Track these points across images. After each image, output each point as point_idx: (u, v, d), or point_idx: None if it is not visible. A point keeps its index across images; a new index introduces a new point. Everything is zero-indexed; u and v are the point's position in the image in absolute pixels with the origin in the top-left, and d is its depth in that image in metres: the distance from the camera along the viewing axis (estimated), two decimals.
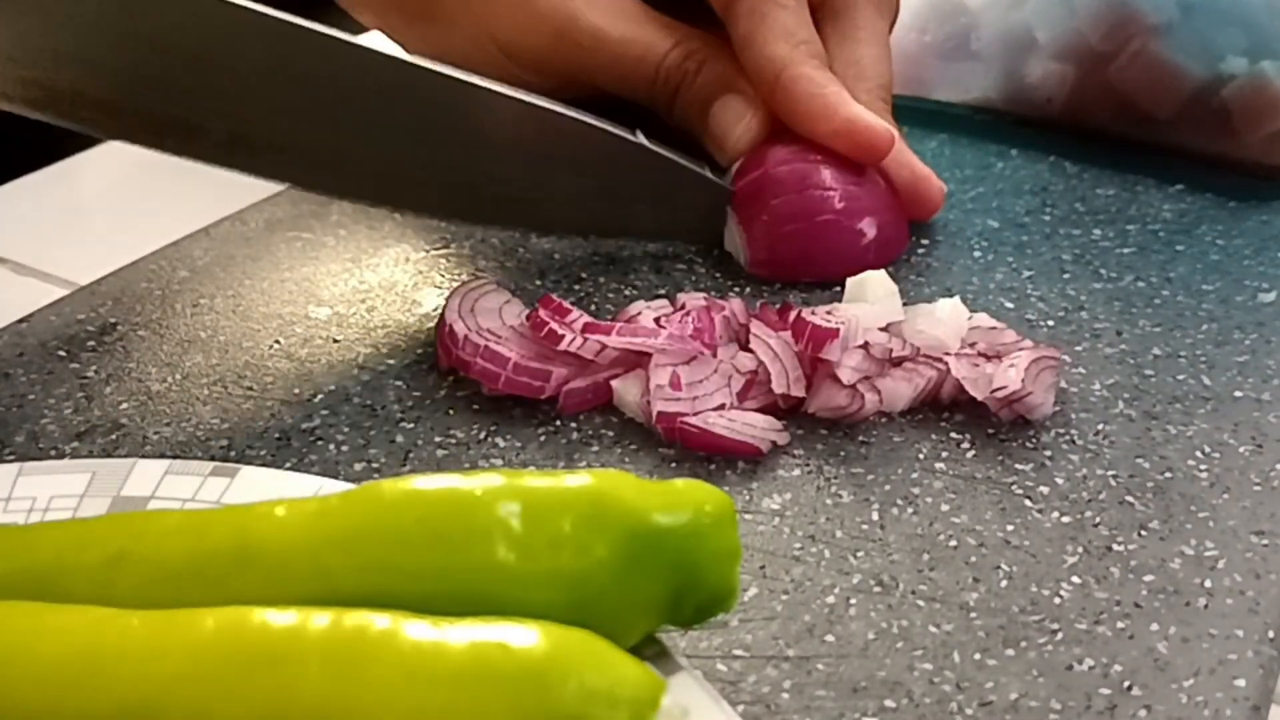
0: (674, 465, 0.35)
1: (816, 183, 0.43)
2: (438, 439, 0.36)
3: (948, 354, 0.37)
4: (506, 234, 0.47)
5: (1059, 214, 0.49)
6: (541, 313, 0.37)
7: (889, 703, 0.28)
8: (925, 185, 0.46)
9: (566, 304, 0.38)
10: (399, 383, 0.38)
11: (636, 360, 0.37)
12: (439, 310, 0.40)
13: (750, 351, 0.38)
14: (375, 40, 0.49)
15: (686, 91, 0.47)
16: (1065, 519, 0.33)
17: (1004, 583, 0.31)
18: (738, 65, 0.46)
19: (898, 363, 0.37)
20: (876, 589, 0.31)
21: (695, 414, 0.35)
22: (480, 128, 0.40)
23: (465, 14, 0.49)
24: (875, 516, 0.33)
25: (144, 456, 0.35)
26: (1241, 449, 0.35)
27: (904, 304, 0.39)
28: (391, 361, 0.39)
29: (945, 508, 0.33)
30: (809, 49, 0.45)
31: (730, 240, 0.45)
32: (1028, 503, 0.33)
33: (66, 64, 0.35)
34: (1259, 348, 0.40)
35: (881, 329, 0.38)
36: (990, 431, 0.36)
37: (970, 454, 0.35)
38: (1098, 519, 0.33)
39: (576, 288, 0.44)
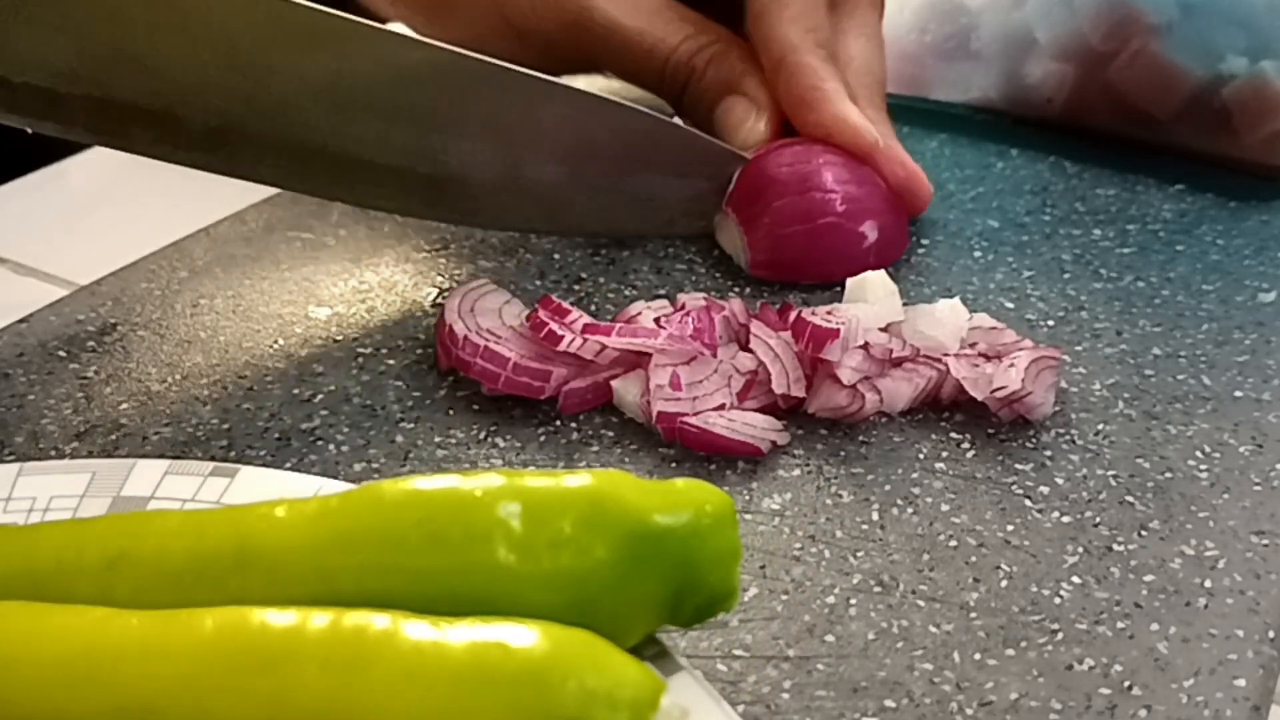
0: (674, 465, 0.35)
1: (818, 185, 0.43)
2: (438, 439, 0.36)
3: (947, 354, 0.37)
4: (507, 234, 0.47)
5: (1059, 214, 0.49)
6: (541, 313, 0.37)
7: (889, 703, 0.28)
8: (916, 183, 0.46)
9: (566, 304, 0.38)
10: (399, 383, 0.38)
11: (636, 360, 0.37)
12: (439, 310, 0.40)
13: (750, 351, 0.38)
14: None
15: (694, 87, 0.47)
16: (1065, 519, 0.33)
17: (1004, 583, 0.31)
18: (748, 65, 0.47)
19: (898, 363, 0.37)
20: (876, 589, 0.31)
21: (695, 414, 0.35)
22: (469, 103, 0.40)
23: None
24: (875, 516, 0.33)
25: (144, 456, 0.35)
26: (1241, 449, 0.35)
27: (904, 304, 0.39)
28: (391, 361, 0.39)
29: (945, 508, 0.33)
30: (816, 37, 0.45)
31: (730, 242, 0.45)
32: (1028, 503, 0.33)
33: (37, 60, 0.34)
34: (1259, 348, 0.40)
35: (881, 329, 0.38)
36: (990, 431, 0.36)
37: (970, 454, 0.35)
38: (1098, 519, 0.33)
39: (576, 288, 0.43)
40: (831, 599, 0.30)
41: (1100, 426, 0.36)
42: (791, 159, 0.44)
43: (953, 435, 0.36)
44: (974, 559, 0.32)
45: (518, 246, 0.46)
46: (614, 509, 0.24)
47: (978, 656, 0.29)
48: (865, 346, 0.36)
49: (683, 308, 0.39)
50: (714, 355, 0.37)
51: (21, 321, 0.42)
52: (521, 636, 0.22)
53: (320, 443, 0.36)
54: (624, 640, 0.24)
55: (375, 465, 0.35)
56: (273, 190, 0.50)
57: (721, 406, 0.36)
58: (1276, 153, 0.50)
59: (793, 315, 0.37)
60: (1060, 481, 0.34)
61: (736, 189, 0.45)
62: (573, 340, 0.36)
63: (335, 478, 0.34)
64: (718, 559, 0.25)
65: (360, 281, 0.44)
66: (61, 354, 0.40)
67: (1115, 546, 0.32)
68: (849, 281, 0.40)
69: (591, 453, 0.36)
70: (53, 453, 0.35)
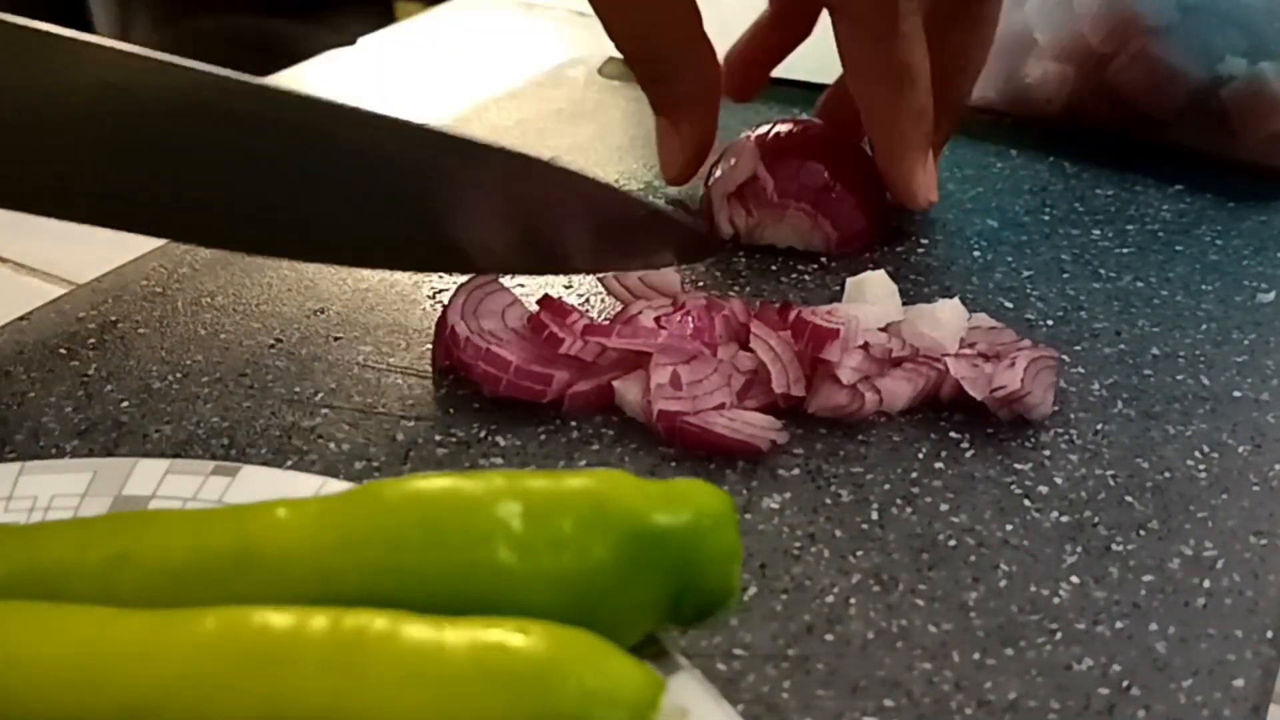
0: (674, 465, 0.35)
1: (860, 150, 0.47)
2: (438, 439, 0.36)
3: (947, 354, 0.37)
4: None
5: (1058, 214, 0.49)
6: (542, 314, 0.37)
7: (888, 702, 0.28)
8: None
9: (567, 304, 0.38)
10: (399, 382, 0.38)
11: (637, 360, 0.37)
12: (440, 310, 0.40)
13: (750, 351, 0.38)
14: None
15: None
16: (1064, 519, 0.33)
17: (1003, 582, 0.31)
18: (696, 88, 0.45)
19: (897, 363, 0.37)
20: (876, 588, 0.31)
21: (695, 413, 0.35)
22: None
23: None
24: (874, 516, 0.33)
25: (145, 455, 0.35)
26: (1240, 449, 0.35)
27: (904, 304, 0.39)
28: (391, 361, 0.40)
29: (944, 507, 0.33)
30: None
31: (793, 234, 0.46)
32: (1027, 502, 0.33)
33: None
34: (1257, 348, 0.40)
35: (881, 329, 0.38)
36: (989, 431, 0.36)
37: (969, 454, 0.35)
38: (1097, 519, 0.33)
39: (579, 288, 0.44)
40: (831, 598, 0.30)
41: (1099, 426, 0.36)
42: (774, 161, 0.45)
43: (952, 435, 0.36)
44: (973, 558, 0.32)
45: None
46: (614, 509, 0.24)
47: (976, 656, 0.29)
48: (865, 346, 0.36)
49: (683, 307, 0.39)
50: (714, 355, 0.37)
51: (22, 319, 0.42)
52: (521, 636, 0.22)
53: (321, 441, 0.36)
54: (624, 640, 0.24)
55: (375, 465, 0.35)
56: None
57: (721, 406, 0.36)
58: (1275, 153, 0.50)
59: (792, 315, 0.38)
60: (1059, 481, 0.34)
61: (798, 183, 0.45)
62: (573, 344, 0.37)
63: (335, 477, 0.34)
64: (718, 559, 0.25)
65: (360, 281, 0.44)
66: (62, 352, 0.40)
67: (1114, 546, 0.32)
68: (849, 281, 0.40)
69: (591, 452, 0.36)
70: (53, 451, 0.35)
